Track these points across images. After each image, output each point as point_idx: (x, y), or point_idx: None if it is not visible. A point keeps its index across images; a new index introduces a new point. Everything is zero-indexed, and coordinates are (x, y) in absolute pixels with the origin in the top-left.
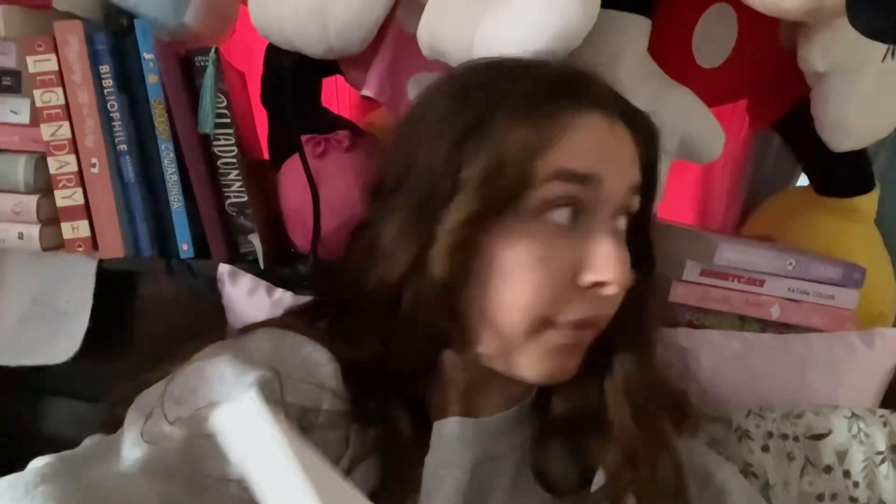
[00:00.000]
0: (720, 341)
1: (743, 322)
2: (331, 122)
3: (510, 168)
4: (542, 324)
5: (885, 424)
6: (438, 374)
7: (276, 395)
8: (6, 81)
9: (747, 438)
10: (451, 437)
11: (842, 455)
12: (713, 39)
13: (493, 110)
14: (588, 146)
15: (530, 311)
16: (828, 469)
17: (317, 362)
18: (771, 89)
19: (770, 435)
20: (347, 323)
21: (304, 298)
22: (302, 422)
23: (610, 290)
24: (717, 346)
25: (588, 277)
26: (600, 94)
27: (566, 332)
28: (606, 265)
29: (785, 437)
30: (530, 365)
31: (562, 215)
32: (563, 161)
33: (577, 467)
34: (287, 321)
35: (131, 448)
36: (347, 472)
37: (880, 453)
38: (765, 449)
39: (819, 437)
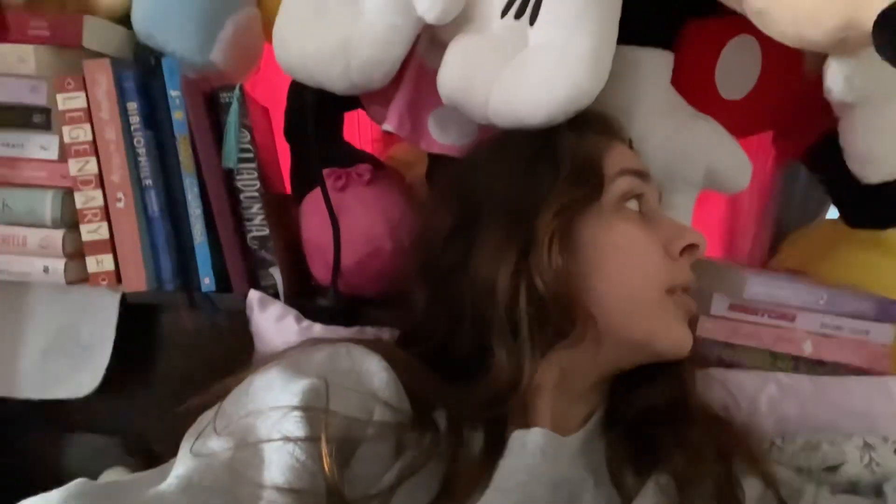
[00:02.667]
0: (757, 385)
1: (774, 358)
2: (352, 156)
3: (587, 165)
4: (667, 290)
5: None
6: (531, 384)
7: (322, 403)
8: (36, 119)
9: None
10: (534, 447)
11: (855, 484)
12: (737, 71)
13: (556, 132)
14: (629, 154)
15: (656, 278)
16: (845, 491)
17: (370, 371)
18: (797, 121)
19: None
20: (448, 353)
21: (335, 328)
22: (349, 433)
23: (699, 252)
24: (753, 392)
25: (679, 244)
26: (620, 128)
27: (683, 296)
28: (689, 232)
29: (800, 470)
30: (668, 332)
31: (633, 204)
32: (622, 162)
33: (645, 467)
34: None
35: (178, 465)
36: (397, 484)
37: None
38: None
39: (833, 469)
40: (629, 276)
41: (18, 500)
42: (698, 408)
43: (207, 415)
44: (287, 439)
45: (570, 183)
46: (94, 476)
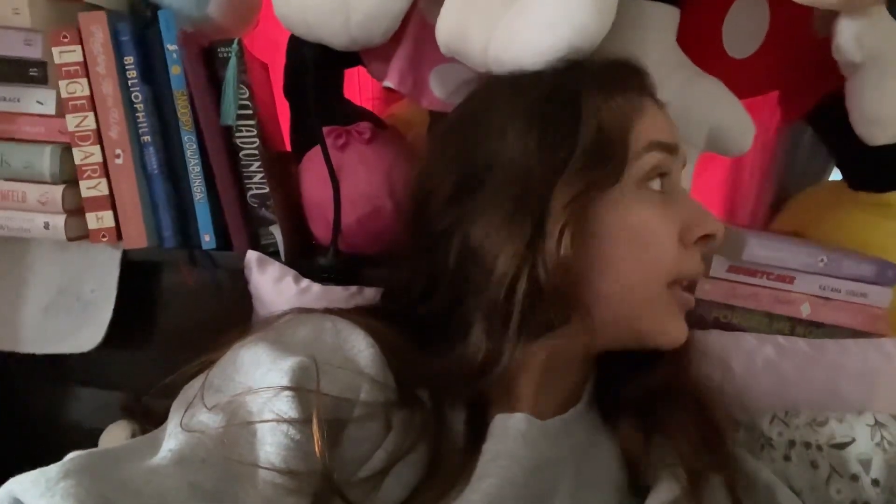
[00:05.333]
0: (753, 346)
1: (771, 320)
2: (353, 114)
3: (612, 139)
4: (670, 282)
5: None
6: (511, 366)
7: (312, 382)
8: (32, 72)
9: (769, 447)
10: (515, 432)
11: (866, 464)
12: (744, 29)
13: (579, 88)
14: (661, 121)
15: (662, 270)
16: (854, 477)
17: (356, 347)
18: (803, 80)
19: (792, 444)
20: (437, 326)
21: (333, 289)
22: (337, 413)
23: (717, 242)
24: (749, 352)
25: (696, 232)
26: (652, 84)
27: (684, 294)
28: (709, 219)
29: (808, 445)
30: (669, 326)
31: (656, 184)
32: (653, 134)
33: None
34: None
35: (169, 439)
36: (389, 465)
37: None
38: (787, 458)
39: (841, 446)
40: (636, 266)
41: (22, 452)
42: (695, 387)
43: (194, 386)
44: (280, 420)
45: (592, 159)
46: (97, 430)
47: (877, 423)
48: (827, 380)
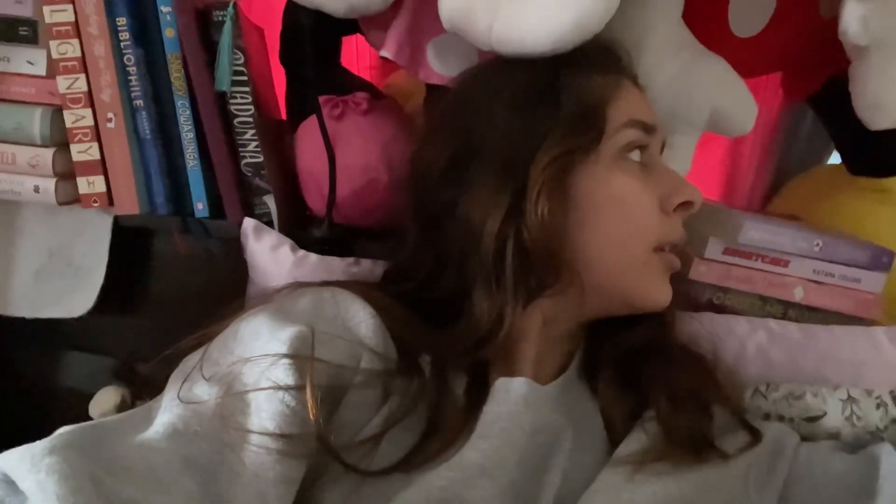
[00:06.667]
0: (746, 332)
1: (764, 303)
2: (349, 83)
3: (590, 112)
4: (654, 248)
5: (878, 406)
6: (512, 332)
7: (310, 351)
8: (23, 31)
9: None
10: (517, 395)
11: (835, 437)
12: (750, 8)
13: (559, 69)
14: (640, 102)
15: (646, 235)
16: None
17: (356, 317)
18: (808, 62)
19: (767, 416)
20: (436, 293)
21: (330, 259)
22: (337, 380)
23: (695, 208)
24: (742, 338)
25: (675, 200)
26: (632, 67)
27: (669, 256)
28: (687, 187)
29: (781, 418)
30: (654, 288)
31: (636, 155)
32: (632, 112)
33: (631, 405)
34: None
35: (163, 413)
36: (384, 430)
37: (871, 434)
38: None
39: (814, 419)
40: (620, 231)
41: (12, 416)
42: (681, 349)
43: (192, 358)
44: (277, 387)
45: (570, 129)
46: (87, 395)
47: (849, 397)
48: (815, 368)
